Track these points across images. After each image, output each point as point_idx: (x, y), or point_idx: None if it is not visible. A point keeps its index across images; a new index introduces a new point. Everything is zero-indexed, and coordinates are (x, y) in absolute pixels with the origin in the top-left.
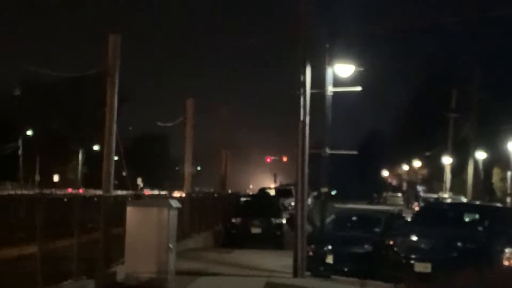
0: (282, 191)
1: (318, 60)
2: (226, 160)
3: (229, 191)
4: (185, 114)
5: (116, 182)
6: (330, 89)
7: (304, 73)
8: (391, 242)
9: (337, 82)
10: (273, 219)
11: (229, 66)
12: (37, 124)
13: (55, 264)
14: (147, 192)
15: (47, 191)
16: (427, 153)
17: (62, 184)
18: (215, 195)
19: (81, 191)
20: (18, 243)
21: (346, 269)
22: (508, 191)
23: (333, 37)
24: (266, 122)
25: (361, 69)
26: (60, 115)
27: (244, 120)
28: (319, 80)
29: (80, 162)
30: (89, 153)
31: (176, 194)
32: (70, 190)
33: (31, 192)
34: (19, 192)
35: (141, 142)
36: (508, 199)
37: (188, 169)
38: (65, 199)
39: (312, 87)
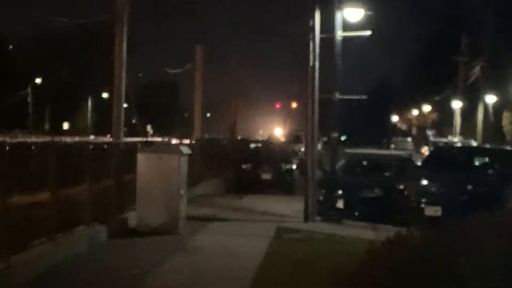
0: (292, 137)
1: (327, 4)
2: (236, 107)
3: (239, 138)
4: (194, 61)
5: (125, 129)
6: (339, 34)
7: (313, 17)
8: (401, 187)
9: (346, 29)
10: (283, 165)
11: (238, 11)
12: (46, 72)
13: (67, 211)
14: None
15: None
16: (437, 98)
17: (72, 132)
18: (225, 142)
19: (108, 137)
20: (30, 190)
21: (356, 214)
22: None
23: None
24: (276, 68)
25: (371, 13)
26: (69, 63)
27: (254, 67)
28: (328, 27)
29: (89, 110)
30: (98, 100)
31: (186, 141)
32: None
33: (41, 140)
34: (29, 140)
35: (150, 89)
36: None
37: (197, 116)
38: (77, 146)
39: (321, 33)
